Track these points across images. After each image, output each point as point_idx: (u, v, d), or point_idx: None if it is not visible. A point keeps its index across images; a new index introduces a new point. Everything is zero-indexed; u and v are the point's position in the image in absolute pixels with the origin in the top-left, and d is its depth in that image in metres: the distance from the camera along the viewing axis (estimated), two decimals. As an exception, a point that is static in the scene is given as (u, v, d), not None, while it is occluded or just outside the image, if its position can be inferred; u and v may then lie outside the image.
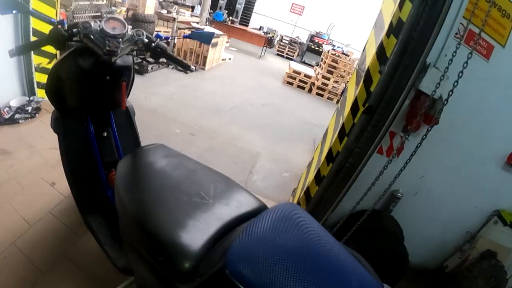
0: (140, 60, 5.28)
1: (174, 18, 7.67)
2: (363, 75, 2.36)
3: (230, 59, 9.59)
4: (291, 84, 8.74)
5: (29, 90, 4.23)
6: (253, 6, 16.25)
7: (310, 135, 5.45)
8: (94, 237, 2.11)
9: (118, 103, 2.07)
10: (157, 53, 1.78)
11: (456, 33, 2.01)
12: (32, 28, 3.81)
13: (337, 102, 8.08)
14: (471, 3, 1.94)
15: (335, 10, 13.92)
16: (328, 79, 8.37)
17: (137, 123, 2.36)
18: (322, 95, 8.47)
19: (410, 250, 2.40)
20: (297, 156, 4.58)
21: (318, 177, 2.64)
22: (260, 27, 14.22)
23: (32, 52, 3.95)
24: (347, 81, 8.24)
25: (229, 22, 13.55)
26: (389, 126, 2.14)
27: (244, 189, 1.29)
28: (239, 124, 5.30)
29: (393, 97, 2.07)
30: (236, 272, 0.78)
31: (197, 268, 0.95)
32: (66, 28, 1.57)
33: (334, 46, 10.46)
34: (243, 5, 16.13)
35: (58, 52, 4.30)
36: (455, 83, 1.85)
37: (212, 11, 14.04)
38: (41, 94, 4.34)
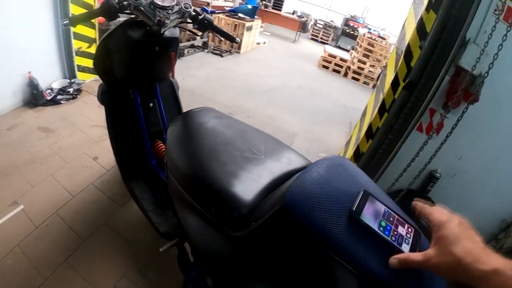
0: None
1: (208, 3, 7.71)
2: (402, 51, 2.36)
3: (264, 43, 9.63)
4: (327, 68, 8.68)
5: (70, 73, 4.44)
6: (287, -10, 16.03)
7: (346, 118, 5.43)
8: (137, 204, 2.22)
9: (164, 75, 2.20)
10: (204, 25, 1.84)
11: (495, 10, 1.98)
12: (71, 14, 3.97)
13: (373, 86, 7.95)
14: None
15: (370, -8, 13.49)
16: (364, 63, 8.25)
17: (175, 103, 2.47)
18: (357, 79, 8.38)
19: None
20: (334, 137, 4.60)
21: (357, 154, 2.67)
22: (294, 11, 14.07)
23: (72, 37, 4.16)
24: (384, 66, 8.12)
25: (263, 7, 13.47)
26: (429, 102, 2.14)
27: (292, 149, 1.35)
28: (276, 105, 5.35)
29: (433, 72, 2.07)
30: (297, 212, 0.80)
31: (250, 215, 1.00)
32: (116, 0, 1.62)
33: (370, 29, 10.26)
34: (277, -10, 15.93)
35: (97, 36, 4.51)
36: (495, 56, 1.84)
37: (245, -5, 14.03)
38: (81, 76, 4.57)
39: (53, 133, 3.42)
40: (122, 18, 1.81)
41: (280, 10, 14.40)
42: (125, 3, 1.62)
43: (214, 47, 7.87)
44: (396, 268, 0.71)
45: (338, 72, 8.63)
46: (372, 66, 8.26)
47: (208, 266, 1.15)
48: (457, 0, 1.91)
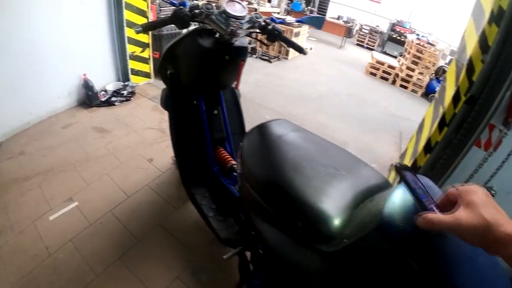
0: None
1: (256, 9, 7.74)
2: (464, 64, 2.28)
3: (311, 49, 9.60)
4: (374, 75, 8.51)
5: (124, 76, 4.60)
6: (330, -5, 15.90)
7: (395, 128, 5.33)
8: (197, 209, 2.24)
9: (229, 83, 2.21)
10: (274, 36, 1.84)
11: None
12: (126, 19, 4.15)
13: (422, 95, 7.82)
14: None
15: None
16: (413, 70, 7.99)
17: (227, 108, 2.51)
18: (406, 87, 8.14)
19: None
20: (383, 147, 4.52)
21: (414, 167, 2.60)
22: (339, 16, 13.90)
23: (126, 41, 4.31)
24: (432, 73, 7.91)
25: (308, 12, 13.42)
26: (490, 117, 2.07)
27: (369, 165, 1.32)
28: (325, 112, 5.33)
29: (495, 87, 2.01)
30: (395, 231, 0.80)
31: (340, 231, 0.98)
32: (188, 9, 1.66)
33: (418, 35, 10.00)
34: (320, -6, 15.88)
35: (150, 41, 4.64)
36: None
37: (289, 1, 14.02)
38: (134, 79, 4.71)
39: (107, 134, 3.54)
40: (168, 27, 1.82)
41: (324, 15, 14.30)
42: (197, 11, 1.66)
43: (263, 52, 7.93)
44: (422, 227, 0.71)
45: (386, 79, 8.43)
46: (421, 73, 7.97)
47: (293, 279, 1.13)
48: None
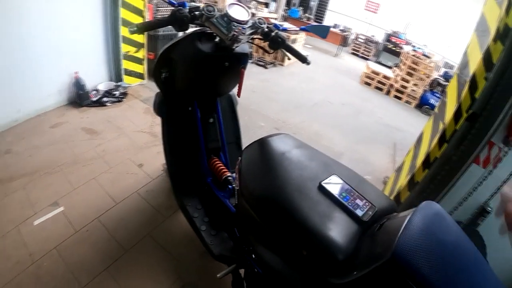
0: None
1: (253, 14, 7.72)
2: (466, 80, 2.26)
3: (307, 56, 9.56)
4: (369, 84, 8.54)
5: (116, 76, 4.52)
6: (327, 3, 16.01)
7: (389, 139, 5.33)
8: (189, 221, 2.15)
9: (227, 90, 2.14)
10: (277, 43, 1.79)
11: None
12: (122, 18, 4.08)
13: (416, 106, 7.89)
14: None
15: (412, 8, 13.23)
16: (408, 81, 8.04)
17: (221, 115, 2.43)
18: (400, 98, 8.18)
19: None
20: (378, 159, 4.51)
21: (411, 182, 2.58)
22: (335, 24, 13.95)
23: (121, 41, 4.24)
24: (426, 85, 7.96)
25: (305, 19, 13.45)
26: (491, 135, 2.04)
27: (374, 186, 1.27)
28: (321, 121, 5.31)
29: (498, 105, 1.98)
30: (407, 264, 0.77)
31: (348, 261, 0.94)
32: (188, 10, 1.57)
33: (414, 46, 10.05)
34: (317, 2, 15.97)
35: (145, 41, 4.57)
36: None
37: (287, 7, 14.03)
38: (127, 80, 4.63)
39: (97, 135, 3.46)
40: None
41: (321, 23, 14.29)
42: (197, 13, 1.58)
43: (258, 58, 7.88)
44: None
45: (381, 89, 8.45)
46: (415, 85, 8.01)
47: None
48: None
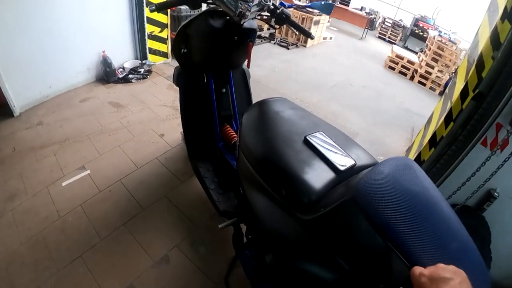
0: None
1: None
2: (475, 60, 2.25)
3: (331, 38, 9.53)
4: (393, 69, 8.39)
5: (142, 54, 4.71)
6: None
7: (408, 123, 5.28)
8: (200, 181, 2.35)
9: (238, 63, 2.29)
10: (282, 19, 1.89)
11: None
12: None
13: (440, 93, 7.61)
14: None
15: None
16: (432, 67, 7.83)
17: (241, 90, 2.56)
18: (424, 84, 7.98)
19: (493, 259, 2.20)
20: (394, 141, 4.51)
21: (417, 160, 2.58)
22: (362, 7, 13.59)
23: (145, 21, 4.42)
24: (452, 72, 7.73)
25: (330, 1, 13.26)
26: (496, 116, 2.05)
27: (361, 146, 1.38)
28: (339, 102, 5.33)
29: (504, 85, 1.97)
30: (366, 203, 0.87)
31: (318, 201, 1.06)
32: None
33: (440, 32, 9.79)
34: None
35: (169, 22, 4.74)
36: None
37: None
38: (152, 58, 4.83)
39: (123, 108, 3.67)
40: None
41: (348, 6, 13.92)
42: None
43: (281, 39, 7.92)
44: None
45: (405, 74, 8.29)
46: (440, 71, 7.79)
47: (272, 243, 1.21)
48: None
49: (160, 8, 1.72)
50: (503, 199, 2.29)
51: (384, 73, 8.18)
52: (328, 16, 8.42)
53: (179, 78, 2.34)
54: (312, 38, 2.06)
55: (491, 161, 2.07)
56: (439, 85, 7.73)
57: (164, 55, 5.08)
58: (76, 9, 3.59)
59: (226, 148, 2.30)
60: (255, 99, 2.33)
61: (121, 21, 4.32)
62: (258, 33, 7.19)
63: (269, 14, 1.93)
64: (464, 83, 2.25)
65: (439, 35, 8.44)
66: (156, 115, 3.70)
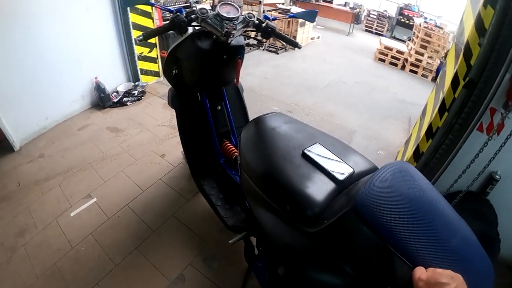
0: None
1: (260, 1, 7.83)
2: (462, 48, 2.27)
3: (318, 37, 9.59)
4: (383, 61, 8.43)
5: (134, 76, 4.75)
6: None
7: (404, 114, 5.30)
8: (206, 199, 2.40)
9: (230, 80, 2.31)
10: (267, 32, 1.93)
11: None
12: (132, 22, 4.29)
13: (432, 79, 7.63)
14: None
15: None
16: (422, 54, 7.88)
17: (235, 101, 2.59)
18: (416, 72, 8.01)
19: (502, 240, 2.26)
20: (392, 134, 4.53)
21: (416, 153, 2.63)
22: (345, 2, 13.64)
23: (134, 43, 4.45)
24: (442, 57, 7.74)
25: (313, 0, 13.30)
26: (489, 101, 2.07)
27: (358, 152, 1.42)
28: (334, 102, 5.36)
29: (494, 70, 1.98)
30: (366, 213, 0.92)
31: (322, 213, 1.11)
32: (184, 15, 1.79)
33: (426, 18, 9.82)
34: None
35: (157, 42, 4.80)
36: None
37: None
38: (144, 79, 4.87)
39: (121, 133, 3.70)
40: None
41: (331, 3, 13.98)
42: (193, 16, 1.78)
43: (269, 44, 7.96)
44: None
45: (395, 64, 8.33)
46: (430, 57, 7.83)
47: (283, 256, 1.26)
48: (513, -6, 1.82)
49: (147, 38, 1.75)
50: (505, 181, 2.32)
51: (375, 66, 8.22)
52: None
53: (174, 100, 2.38)
54: (299, 47, 2.11)
55: (489, 146, 2.09)
56: (431, 71, 7.75)
57: (156, 74, 5.12)
58: (64, 38, 3.63)
59: (227, 163, 2.34)
60: (250, 108, 2.38)
61: (110, 46, 4.36)
62: (246, 41, 7.24)
63: (255, 30, 1.98)
64: (454, 72, 2.27)
65: (425, 21, 8.47)
66: (155, 135, 3.74)
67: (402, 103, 5.82)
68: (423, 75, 7.90)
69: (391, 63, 8.38)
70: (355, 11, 12.65)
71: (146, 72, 4.93)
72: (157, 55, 4.95)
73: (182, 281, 2.21)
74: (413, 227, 0.88)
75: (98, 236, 2.47)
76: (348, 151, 1.41)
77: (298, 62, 7.34)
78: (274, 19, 2.05)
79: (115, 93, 4.45)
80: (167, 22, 1.81)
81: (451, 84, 2.30)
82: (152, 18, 4.53)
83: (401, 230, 0.87)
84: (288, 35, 7.67)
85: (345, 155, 1.36)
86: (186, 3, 6.01)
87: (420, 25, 8.00)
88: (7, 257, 2.30)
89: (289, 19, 7.85)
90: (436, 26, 8.04)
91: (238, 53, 2.04)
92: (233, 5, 1.85)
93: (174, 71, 2.19)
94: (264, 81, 5.88)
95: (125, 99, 4.42)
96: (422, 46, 7.87)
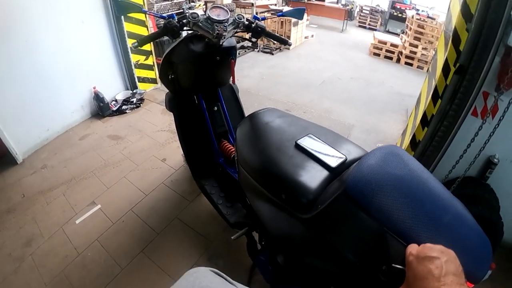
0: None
1: (252, 4, 7.94)
2: (450, 35, 2.29)
3: (312, 36, 9.64)
4: (378, 55, 8.46)
5: (131, 84, 4.81)
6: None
7: (402, 106, 5.30)
8: (208, 198, 2.44)
9: (225, 80, 2.38)
10: (258, 32, 1.99)
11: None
12: (126, 30, 4.34)
13: (428, 70, 7.62)
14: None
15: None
16: (416, 46, 7.89)
17: (233, 103, 2.64)
18: (411, 64, 8.03)
19: (504, 223, 2.24)
20: (390, 126, 4.55)
21: (413, 142, 2.64)
22: (337, 0, 13.80)
23: (130, 51, 4.51)
24: (436, 47, 7.75)
25: (305, 0, 13.34)
26: (481, 85, 2.08)
27: (350, 141, 1.45)
28: (330, 98, 5.38)
29: (483, 55, 2.00)
30: (357, 194, 0.95)
31: (316, 200, 1.14)
32: (176, 20, 1.83)
33: (418, 10, 9.84)
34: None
35: (152, 49, 4.85)
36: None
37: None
38: (142, 86, 4.93)
39: (122, 140, 3.75)
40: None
41: (323, 1, 13.96)
42: (184, 21, 1.83)
43: (264, 45, 8.01)
44: None
45: (390, 58, 8.36)
46: (425, 49, 7.83)
47: (281, 245, 1.30)
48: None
49: (142, 44, 1.79)
50: (504, 164, 2.33)
51: (370, 60, 8.24)
52: (306, 14, 8.48)
53: (171, 104, 2.42)
54: (289, 45, 2.17)
55: (484, 129, 2.10)
56: (426, 62, 7.76)
57: (153, 81, 5.17)
58: (60, 50, 3.67)
59: (226, 162, 2.37)
60: (248, 109, 2.41)
61: (106, 56, 4.41)
62: (241, 43, 7.29)
63: (245, 30, 2.03)
64: (444, 59, 2.30)
65: (417, 13, 8.48)
66: (155, 141, 3.78)
67: (399, 95, 5.83)
68: (418, 67, 7.90)
69: (386, 57, 8.39)
70: (347, 7, 12.69)
71: (143, 80, 4.99)
72: (153, 62, 5.01)
73: (188, 280, 2.23)
74: (404, 205, 0.91)
75: (103, 241, 2.51)
76: (340, 140, 1.44)
77: (293, 62, 7.38)
78: (263, 19, 2.10)
79: (114, 102, 4.50)
80: (161, 28, 1.86)
81: (442, 71, 2.32)
82: (146, 26, 4.59)
83: (393, 209, 0.90)
84: (282, 35, 7.74)
85: (337, 143, 1.40)
86: (178, 10, 6.08)
87: (412, 17, 8.01)
88: (15, 267, 2.33)
89: (282, 19, 7.91)
90: (428, 17, 8.04)
91: (230, 53, 2.10)
92: (223, 8, 1.91)
93: (170, 76, 2.23)
94: (260, 82, 5.93)
95: (124, 107, 4.47)
96: (416, 38, 7.89)
